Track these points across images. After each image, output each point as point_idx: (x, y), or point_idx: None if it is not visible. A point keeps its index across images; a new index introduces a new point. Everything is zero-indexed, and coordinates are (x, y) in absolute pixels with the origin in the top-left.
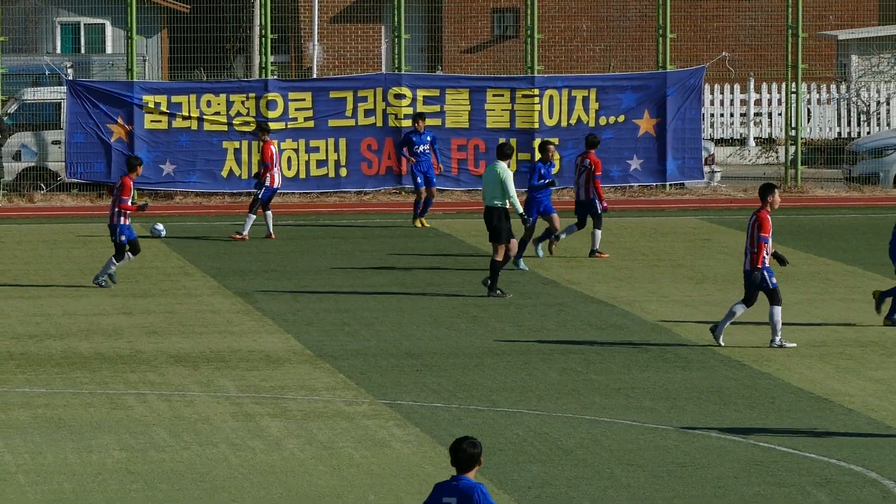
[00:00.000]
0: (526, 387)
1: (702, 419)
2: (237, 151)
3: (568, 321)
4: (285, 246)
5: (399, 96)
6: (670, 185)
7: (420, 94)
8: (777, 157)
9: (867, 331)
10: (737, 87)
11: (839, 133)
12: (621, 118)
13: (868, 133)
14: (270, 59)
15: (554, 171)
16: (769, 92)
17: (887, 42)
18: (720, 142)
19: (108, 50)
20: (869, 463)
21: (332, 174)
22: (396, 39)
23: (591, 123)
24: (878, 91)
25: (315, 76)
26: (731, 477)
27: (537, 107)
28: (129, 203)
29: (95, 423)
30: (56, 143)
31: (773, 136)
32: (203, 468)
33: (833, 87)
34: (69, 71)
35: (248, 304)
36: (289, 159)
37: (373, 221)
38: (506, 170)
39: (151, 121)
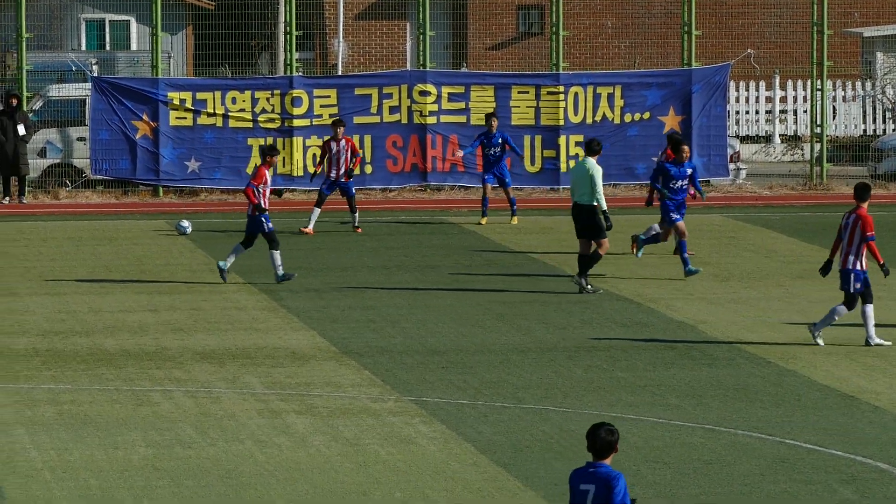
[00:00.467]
0: (551, 384)
1: (728, 416)
2: (262, 149)
3: (593, 318)
4: (310, 243)
5: (424, 93)
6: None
7: (445, 90)
8: (802, 155)
9: (893, 328)
10: (762, 84)
11: (864, 130)
12: (646, 115)
13: (893, 130)
14: (295, 55)
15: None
16: (794, 89)
17: None
18: (745, 139)
19: (133, 47)
20: (895, 460)
21: (357, 171)
22: (421, 36)
23: (616, 121)
24: None
25: (340, 73)
26: (757, 474)
27: (562, 104)
28: (255, 189)
29: (121, 420)
30: (81, 139)
31: (799, 134)
32: (229, 465)
33: (858, 84)
34: (94, 67)
35: (273, 301)
36: (314, 156)
37: (398, 218)
38: (595, 165)
39: (176, 118)
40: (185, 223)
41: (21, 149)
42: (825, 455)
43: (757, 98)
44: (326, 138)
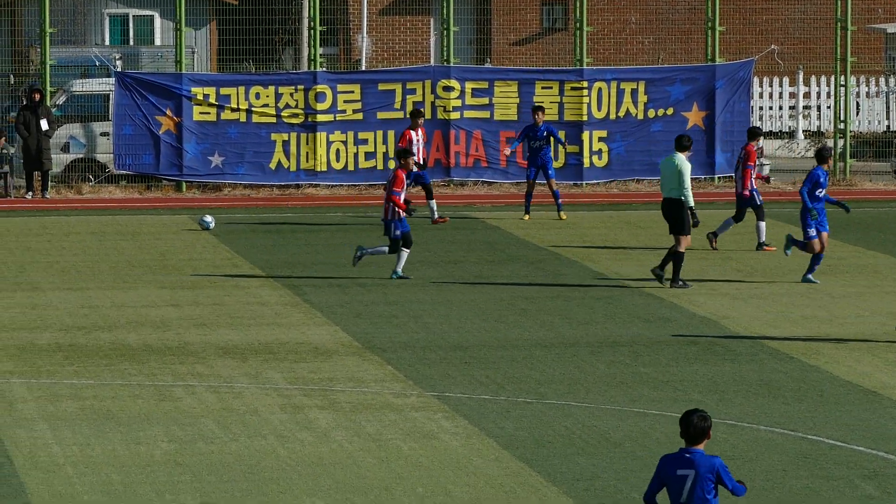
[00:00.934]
0: (574, 379)
1: (750, 412)
2: (286, 144)
3: (616, 314)
4: (333, 238)
5: (448, 88)
6: (719, 177)
7: (469, 86)
8: None
9: None
10: (785, 79)
11: (888, 126)
12: (670, 111)
13: None
14: (319, 51)
15: (602, 162)
16: (818, 85)
17: None
18: (769, 135)
19: (157, 42)
20: None
21: (380, 166)
22: (445, 32)
23: (640, 116)
24: None
25: (364, 68)
26: (780, 470)
27: (586, 99)
28: (401, 197)
29: (143, 415)
30: (104, 134)
31: (822, 129)
32: (251, 460)
33: (882, 80)
34: (118, 62)
35: (296, 296)
36: (337, 151)
37: (421, 213)
38: (684, 161)
39: (200, 113)
40: (209, 218)
41: (44, 144)
42: (847, 451)
43: (780, 94)
44: (406, 130)
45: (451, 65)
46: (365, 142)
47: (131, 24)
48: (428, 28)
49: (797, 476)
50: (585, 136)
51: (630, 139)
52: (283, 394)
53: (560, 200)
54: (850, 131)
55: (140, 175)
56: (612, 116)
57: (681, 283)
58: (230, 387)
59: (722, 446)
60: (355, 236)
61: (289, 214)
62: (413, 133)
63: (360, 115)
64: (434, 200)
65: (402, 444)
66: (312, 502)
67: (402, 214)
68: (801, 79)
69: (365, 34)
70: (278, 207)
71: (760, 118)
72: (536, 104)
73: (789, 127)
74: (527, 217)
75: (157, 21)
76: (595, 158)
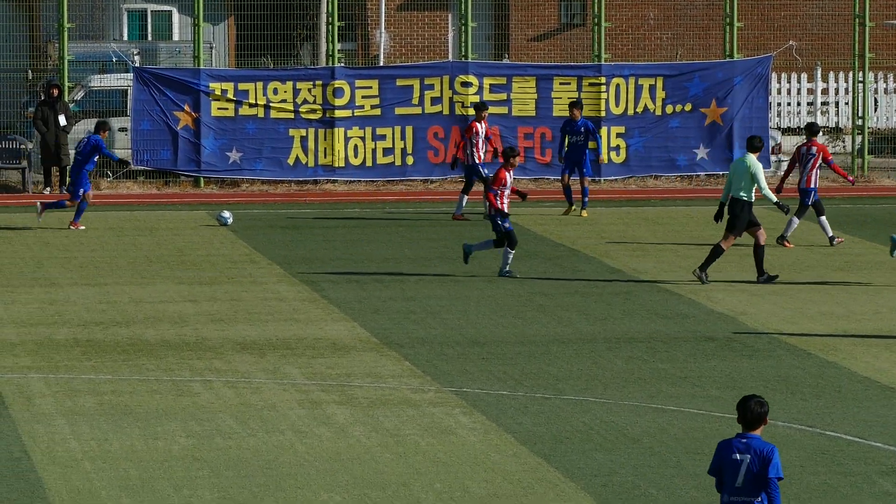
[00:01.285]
0: (592, 375)
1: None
2: (303, 139)
3: (634, 310)
4: (351, 234)
5: (466, 84)
6: None
7: (487, 82)
8: (844, 147)
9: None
10: (804, 76)
11: None
12: (688, 107)
13: None
14: (337, 46)
15: (620, 158)
16: (836, 81)
17: None
18: (787, 131)
19: (175, 37)
20: None
21: (398, 162)
22: (463, 27)
23: (658, 112)
24: None
25: (382, 64)
26: (798, 465)
27: (604, 95)
28: (496, 195)
29: (161, 410)
30: (122, 130)
31: (840, 126)
32: (269, 455)
33: None
34: (136, 58)
35: (313, 292)
36: (355, 147)
37: (439, 210)
38: (756, 162)
39: (218, 108)
40: (226, 214)
41: (62, 139)
42: (865, 447)
43: (798, 90)
44: (472, 122)
45: (469, 60)
46: (383, 137)
47: (149, 20)
48: (446, 23)
49: (815, 472)
50: (603, 132)
51: (648, 135)
52: (300, 389)
53: (587, 199)
54: (868, 128)
55: (158, 171)
56: (630, 112)
57: (704, 275)
58: (248, 382)
59: None
60: (373, 232)
61: (306, 210)
62: (479, 125)
63: (378, 111)
64: (466, 196)
65: (419, 439)
66: (330, 497)
67: (494, 211)
68: (819, 75)
69: (383, 30)
70: (296, 203)
71: (779, 114)
72: (573, 99)
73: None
74: (573, 210)
75: (176, 16)
76: (613, 154)
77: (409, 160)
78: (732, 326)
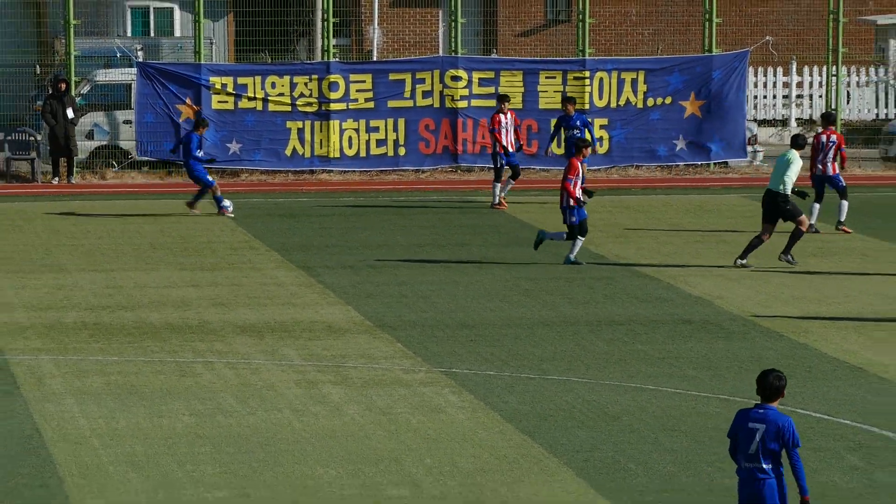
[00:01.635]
0: (575, 356)
1: (742, 387)
2: (300, 131)
3: (615, 294)
4: (346, 221)
5: (455, 78)
6: (714, 163)
7: (476, 76)
8: None
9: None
10: (779, 69)
11: (877, 115)
12: (668, 100)
13: None
14: (332, 42)
15: (603, 149)
16: (810, 75)
17: None
18: (763, 122)
19: (177, 33)
20: None
21: (391, 153)
22: (453, 23)
23: (640, 105)
24: None
25: (375, 59)
26: None
27: (588, 88)
28: (572, 184)
29: (165, 390)
30: (127, 122)
31: (814, 118)
32: (268, 432)
33: (872, 70)
34: (139, 53)
35: (310, 278)
36: (350, 139)
37: (429, 198)
38: (797, 157)
39: (218, 101)
40: (227, 203)
41: (70, 131)
42: (834, 424)
43: (774, 83)
44: (495, 114)
45: (459, 55)
46: (376, 129)
47: (152, 16)
48: (436, 20)
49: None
50: None
51: (630, 127)
52: (297, 370)
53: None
54: (841, 119)
55: (161, 161)
56: (613, 105)
57: (790, 257)
58: (248, 363)
59: (715, 420)
60: (367, 220)
61: (303, 199)
62: (503, 116)
63: (371, 104)
64: (500, 185)
65: (410, 417)
66: (325, 472)
67: (574, 203)
68: (794, 69)
69: (376, 26)
70: (293, 192)
71: (755, 106)
72: (567, 95)
73: (783, 115)
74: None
75: (177, 13)
76: (597, 146)
77: (402, 151)
78: (709, 310)
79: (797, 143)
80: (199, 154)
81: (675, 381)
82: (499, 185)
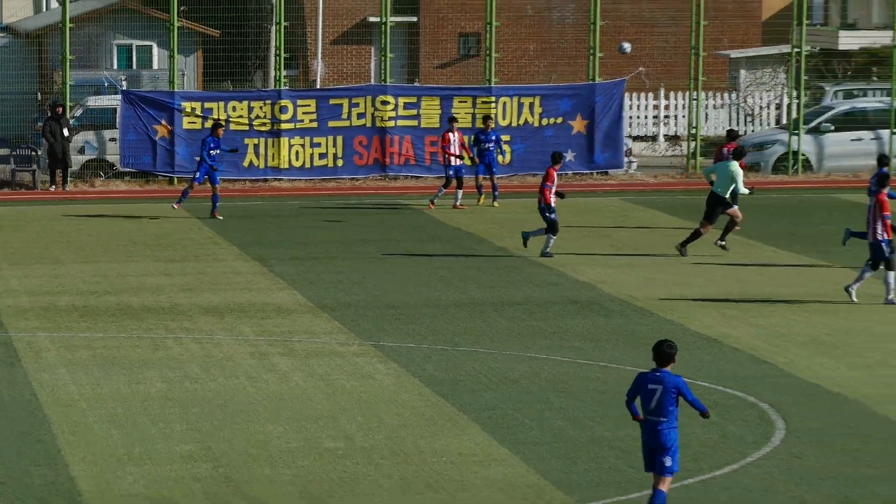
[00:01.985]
0: (481, 331)
1: (618, 356)
2: (256, 146)
3: (516, 280)
4: (295, 221)
5: (385, 102)
6: (597, 172)
7: (401, 100)
8: (681, 151)
9: (750, 287)
10: (650, 94)
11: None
12: (559, 120)
13: (753, 131)
14: (283, 73)
15: (506, 161)
16: (675, 99)
17: (768, 59)
18: (636, 138)
19: (155, 66)
20: (749, 390)
21: (330, 164)
22: (383, 58)
23: (536, 124)
24: (760, 98)
25: (319, 87)
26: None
27: (494, 110)
28: (549, 189)
29: (142, 361)
30: (112, 139)
31: (678, 134)
32: (226, 395)
33: (726, 94)
34: (123, 83)
35: (263, 267)
36: (297, 152)
37: (363, 202)
38: (737, 168)
39: (188, 122)
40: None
41: (66, 147)
42: (693, 385)
43: (646, 106)
44: (445, 132)
45: (388, 84)
46: (319, 144)
47: (135, 53)
48: (369, 55)
49: None
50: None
51: (528, 142)
52: (252, 344)
53: (497, 192)
54: (700, 136)
55: (141, 172)
56: (514, 124)
57: (684, 250)
58: (210, 338)
59: (595, 383)
60: (311, 220)
61: (258, 203)
62: (451, 135)
63: (315, 124)
64: (461, 191)
65: (345, 382)
66: (274, 428)
67: (549, 203)
68: (662, 94)
69: (320, 60)
70: (250, 197)
71: (630, 125)
72: (486, 114)
73: (653, 132)
74: (482, 201)
75: (155, 49)
76: (501, 158)
77: (340, 162)
78: (593, 293)
79: (739, 154)
80: (212, 153)
81: (563, 351)
82: (449, 190)
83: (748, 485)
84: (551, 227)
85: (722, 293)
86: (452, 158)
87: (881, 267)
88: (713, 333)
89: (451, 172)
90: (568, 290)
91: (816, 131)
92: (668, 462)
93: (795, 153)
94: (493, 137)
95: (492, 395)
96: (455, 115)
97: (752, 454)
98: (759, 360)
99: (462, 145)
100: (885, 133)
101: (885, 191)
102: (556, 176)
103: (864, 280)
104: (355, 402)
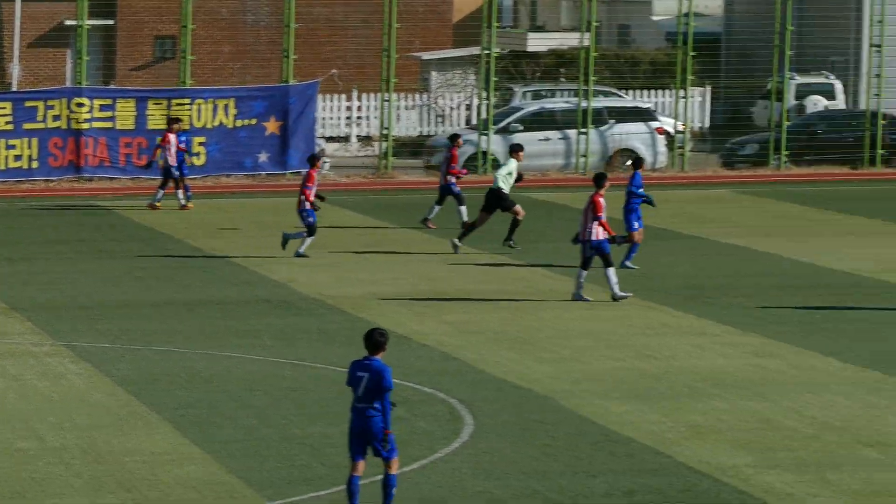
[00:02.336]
0: (175, 330)
1: (310, 354)
2: None
3: (211, 280)
4: None
5: (80, 105)
6: (291, 172)
7: (97, 103)
8: (374, 151)
9: (440, 284)
10: (343, 96)
11: (420, 132)
12: (253, 121)
13: (443, 131)
14: None
15: (200, 161)
16: (368, 100)
17: (459, 61)
18: (329, 139)
19: None
20: (439, 386)
21: (26, 166)
22: (79, 61)
23: (230, 125)
24: (451, 99)
25: (15, 89)
26: (331, 398)
27: (189, 112)
28: (310, 191)
29: None
30: None
31: (371, 134)
32: None
33: (417, 96)
34: None
35: None
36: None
37: (57, 203)
38: (513, 164)
39: None
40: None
41: None
42: None
43: (339, 107)
44: (166, 133)
45: (83, 86)
46: (14, 147)
47: None
48: (65, 58)
49: (344, 403)
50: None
51: (223, 143)
52: None
53: (190, 193)
54: (392, 136)
55: None
56: (209, 126)
57: (513, 241)
58: None
59: (288, 381)
60: (5, 222)
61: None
62: (172, 136)
63: (11, 126)
64: (181, 191)
65: (37, 382)
66: None
67: (308, 206)
68: (355, 95)
69: (16, 63)
70: None
71: (323, 126)
72: (173, 117)
73: (345, 133)
74: (160, 205)
75: None
76: (195, 159)
77: (35, 164)
78: (285, 291)
79: (515, 151)
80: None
81: (257, 350)
82: (168, 191)
83: (437, 481)
84: (310, 230)
85: (413, 292)
86: (169, 159)
87: (591, 267)
88: (403, 330)
89: (177, 173)
90: (261, 289)
91: (505, 131)
92: (386, 446)
93: (485, 153)
94: (183, 140)
95: (185, 394)
96: (179, 118)
97: (442, 450)
98: (449, 356)
99: (180, 145)
100: (572, 133)
101: (602, 192)
102: (316, 177)
103: (583, 280)
104: (47, 402)
